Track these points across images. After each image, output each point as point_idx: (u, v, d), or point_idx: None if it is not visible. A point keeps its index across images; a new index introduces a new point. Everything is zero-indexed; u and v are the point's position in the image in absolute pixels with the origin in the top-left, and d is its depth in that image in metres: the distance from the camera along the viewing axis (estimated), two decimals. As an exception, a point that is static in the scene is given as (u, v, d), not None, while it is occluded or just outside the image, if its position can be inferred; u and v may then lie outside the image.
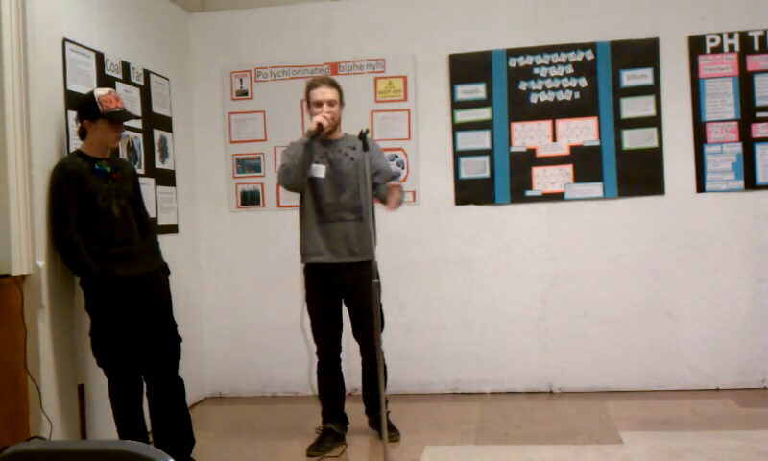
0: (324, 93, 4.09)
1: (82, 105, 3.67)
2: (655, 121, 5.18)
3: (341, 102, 4.17)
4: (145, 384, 3.75)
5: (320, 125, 3.99)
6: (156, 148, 4.96)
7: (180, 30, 5.51)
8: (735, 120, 5.10)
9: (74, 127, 3.78)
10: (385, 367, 4.24)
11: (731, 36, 5.11)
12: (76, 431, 3.77)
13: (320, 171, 4.11)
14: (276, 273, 5.52)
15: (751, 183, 5.08)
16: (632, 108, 5.20)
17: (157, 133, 4.99)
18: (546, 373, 5.29)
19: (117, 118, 3.66)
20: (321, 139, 4.10)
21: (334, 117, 4.11)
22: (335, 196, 4.11)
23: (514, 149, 5.30)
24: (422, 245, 5.39)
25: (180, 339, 3.84)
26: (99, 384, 3.85)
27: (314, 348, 4.26)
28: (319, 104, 4.09)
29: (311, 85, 4.17)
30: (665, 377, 5.17)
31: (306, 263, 4.18)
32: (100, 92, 3.66)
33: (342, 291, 4.16)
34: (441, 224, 5.38)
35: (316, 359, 4.27)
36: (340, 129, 4.24)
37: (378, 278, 3.90)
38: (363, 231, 4.07)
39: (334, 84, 4.16)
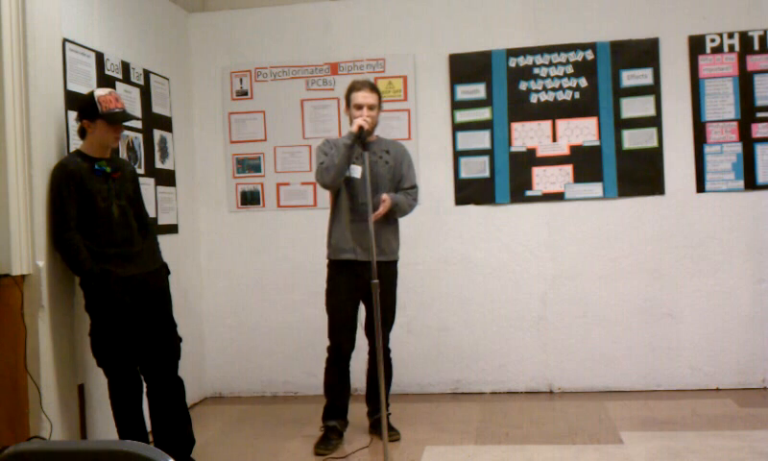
0: (366, 98, 4.19)
1: (81, 105, 3.67)
2: (655, 121, 5.18)
3: (380, 107, 4.28)
4: (145, 384, 3.75)
5: (361, 128, 4.07)
6: (156, 148, 4.96)
7: (180, 30, 5.51)
8: (735, 120, 5.10)
9: (74, 127, 3.78)
10: (391, 367, 4.37)
11: (731, 36, 5.11)
12: (76, 431, 3.77)
13: (356, 172, 4.21)
14: (275, 273, 5.52)
15: (751, 183, 5.08)
16: (632, 108, 5.20)
17: (157, 133, 4.99)
18: (546, 373, 5.29)
19: (116, 119, 3.66)
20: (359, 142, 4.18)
21: (374, 121, 4.21)
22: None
23: (514, 149, 5.30)
24: (422, 245, 5.39)
25: (179, 339, 3.84)
26: (99, 384, 3.85)
27: (325, 343, 4.31)
28: (359, 107, 4.18)
29: (353, 88, 4.26)
30: (665, 377, 5.17)
31: (335, 259, 4.25)
32: (100, 92, 3.66)
33: (365, 288, 4.14)
34: (441, 224, 5.38)
35: (326, 355, 4.32)
36: (374, 134, 4.32)
37: (381, 278, 3.98)
38: (390, 234, 4.29)
39: (375, 90, 4.27)
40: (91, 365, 3.74)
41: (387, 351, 4.31)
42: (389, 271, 4.26)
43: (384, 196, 4.19)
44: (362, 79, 4.49)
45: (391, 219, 4.28)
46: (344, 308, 4.25)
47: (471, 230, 5.36)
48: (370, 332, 4.28)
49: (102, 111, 3.59)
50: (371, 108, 4.20)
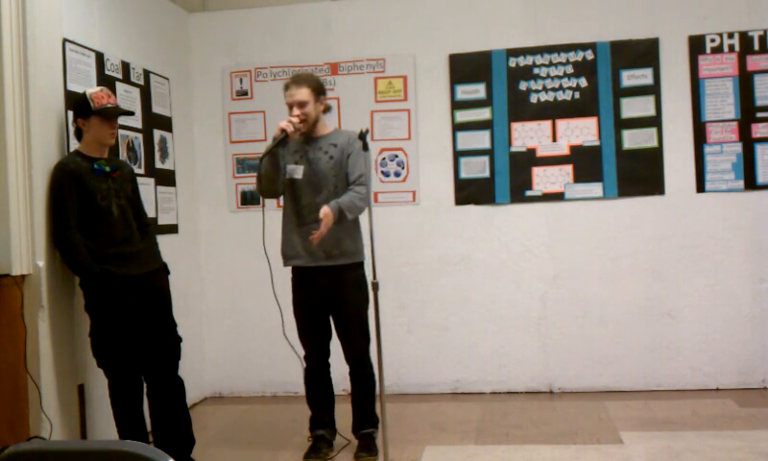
0: (293, 95, 3.92)
1: (75, 105, 3.69)
2: (655, 121, 5.18)
3: (317, 98, 3.96)
4: (145, 384, 3.75)
5: (284, 131, 3.85)
6: (156, 148, 4.96)
7: (180, 30, 5.51)
8: (735, 120, 5.10)
9: (72, 127, 3.79)
10: (370, 381, 4.01)
11: (731, 36, 5.11)
12: (76, 431, 3.78)
13: (298, 172, 3.95)
14: (275, 273, 5.50)
15: (751, 183, 5.08)
16: (632, 108, 5.20)
17: (157, 133, 4.99)
18: (546, 373, 5.29)
19: (109, 113, 3.66)
20: (302, 137, 3.98)
21: (307, 118, 3.92)
22: (312, 197, 3.93)
23: (514, 149, 5.30)
24: (422, 245, 5.39)
25: (180, 339, 3.84)
26: (99, 384, 3.85)
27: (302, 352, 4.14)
28: (290, 107, 3.93)
29: (284, 87, 4.02)
30: (665, 377, 5.17)
31: (288, 266, 4.08)
32: (91, 90, 3.70)
33: (324, 294, 4.00)
34: (441, 224, 5.38)
35: (304, 364, 4.15)
36: (324, 125, 4.05)
37: (363, 278, 3.83)
38: (342, 234, 3.91)
39: (305, 83, 3.95)
40: (91, 365, 3.74)
41: (361, 365, 4.00)
42: (346, 276, 3.93)
43: (323, 211, 3.78)
44: (294, 74, 4.19)
45: (341, 218, 3.89)
46: (307, 317, 4.03)
47: (471, 230, 5.35)
48: (340, 342, 4.05)
49: (95, 108, 3.61)
50: (300, 105, 3.90)
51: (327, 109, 4.09)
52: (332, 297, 4.00)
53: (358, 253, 4.01)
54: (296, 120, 3.89)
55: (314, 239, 3.80)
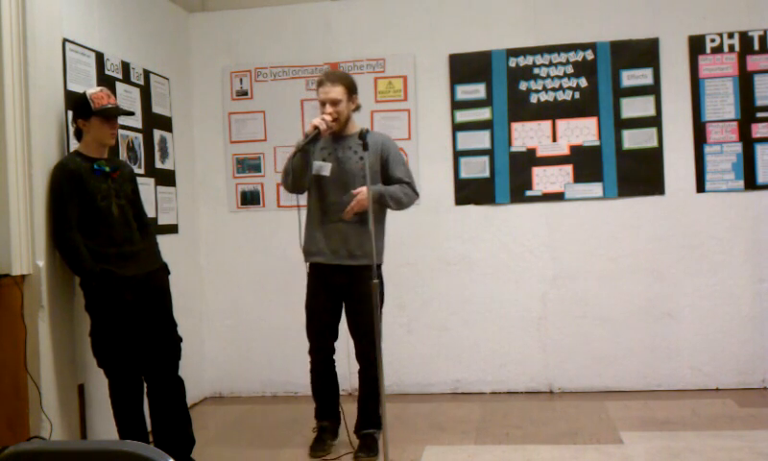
0: (327, 93, 3.93)
1: (75, 105, 3.69)
2: (655, 121, 5.18)
3: (350, 97, 3.99)
4: (145, 384, 3.75)
5: (316, 128, 3.86)
6: (156, 148, 4.96)
7: (180, 30, 5.51)
8: (735, 120, 5.10)
9: (72, 128, 3.79)
10: (376, 381, 3.86)
11: (731, 36, 5.11)
12: (76, 431, 3.78)
13: (326, 169, 3.96)
14: (275, 273, 5.52)
15: (751, 183, 5.08)
16: (632, 108, 5.20)
17: (157, 133, 4.99)
18: (546, 373, 5.29)
19: (109, 114, 3.66)
20: (330, 135, 3.99)
21: (340, 117, 3.94)
22: (339, 195, 3.95)
23: (514, 149, 5.30)
24: (422, 245, 5.39)
25: (180, 339, 3.84)
26: (99, 384, 3.85)
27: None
28: (323, 104, 3.95)
29: (317, 83, 4.03)
30: (665, 377, 5.17)
31: (308, 262, 4.11)
32: (91, 91, 3.70)
33: (341, 293, 4.05)
34: (441, 224, 5.38)
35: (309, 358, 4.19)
36: (353, 124, 4.06)
37: (380, 280, 3.81)
38: (365, 234, 3.86)
39: (339, 81, 3.96)
40: (91, 365, 3.74)
41: (372, 365, 3.86)
42: (364, 276, 3.82)
43: (359, 189, 3.87)
44: (328, 71, 4.21)
45: (362, 218, 3.87)
46: (318, 313, 4.05)
47: (471, 230, 5.35)
48: (353, 339, 4.09)
49: (95, 108, 3.61)
50: (334, 102, 3.91)
51: (358, 109, 4.10)
52: (348, 296, 4.02)
53: (379, 255, 4.01)
54: (329, 118, 3.90)
55: (345, 214, 3.88)
